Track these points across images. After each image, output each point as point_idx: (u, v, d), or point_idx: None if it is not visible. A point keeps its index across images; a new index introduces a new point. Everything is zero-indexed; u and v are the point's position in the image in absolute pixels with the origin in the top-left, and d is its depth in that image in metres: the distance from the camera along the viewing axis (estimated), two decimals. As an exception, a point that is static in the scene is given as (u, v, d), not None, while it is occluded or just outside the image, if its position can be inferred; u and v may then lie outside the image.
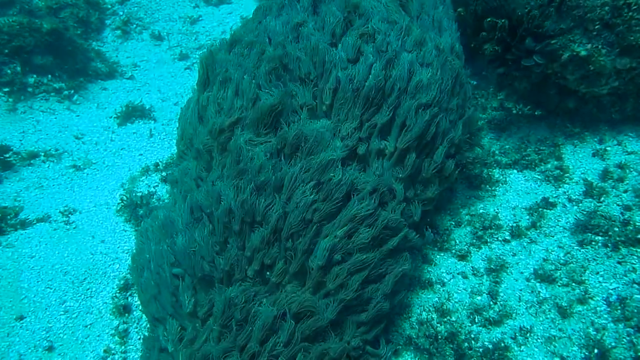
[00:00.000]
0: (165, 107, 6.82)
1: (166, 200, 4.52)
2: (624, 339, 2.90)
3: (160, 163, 5.12)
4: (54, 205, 4.69)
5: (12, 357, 3.32)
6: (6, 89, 6.16)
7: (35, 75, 6.42)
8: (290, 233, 2.97)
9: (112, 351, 3.45)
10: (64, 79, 6.74)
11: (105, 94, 7.08)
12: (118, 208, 4.50)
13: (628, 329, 2.93)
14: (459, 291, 3.40)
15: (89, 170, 5.42)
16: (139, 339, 3.52)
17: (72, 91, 6.67)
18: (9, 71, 6.16)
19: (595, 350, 2.87)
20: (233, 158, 3.18)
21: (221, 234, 3.05)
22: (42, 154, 5.60)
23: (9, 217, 4.32)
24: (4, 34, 6.06)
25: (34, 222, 4.41)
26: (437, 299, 3.36)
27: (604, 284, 3.18)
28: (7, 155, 5.32)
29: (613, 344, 2.90)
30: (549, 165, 3.92)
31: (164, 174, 4.91)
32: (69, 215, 4.50)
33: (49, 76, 6.56)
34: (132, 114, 6.42)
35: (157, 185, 4.79)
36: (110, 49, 8.10)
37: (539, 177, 3.92)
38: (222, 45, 3.92)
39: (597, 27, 3.32)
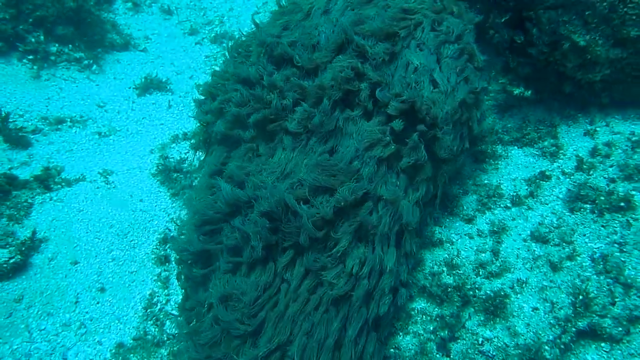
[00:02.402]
0: (181, 80, 7.10)
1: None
2: (604, 288, 3.44)
3: (188, 132, 5.47)
4: (88, 167, 5.01)
5: (70, 295, 3.72)
6: (30, 57, 6.35)
7: (57, 45, 6.62)
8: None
9: (157, 294, 3.87)
10: (83, 49, 6.94)
11: (120, 66, 7.31)
12: (154, 172, 4.85)
13: (608, 280, 3.47)
14: (466, 249, 3.89)
15: (114, 137, 5.73)
16: (179, 284, 3.94)
17: (91, 61, 6.89)
18: (32, 39, 6.34)
19: (580, 297, 3.41)
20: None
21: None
22: (68, 120, 5.86)
23: (52, 176, 4.64)
24: (29, 3, 6.23)
25: (74, 181, 4.75)
26: (446, 255, 3.85)
27: (589, 244, 3.70)
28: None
29: (595, 292, 3.43)
30: (546, 143, 4.41)
31: (192, 141, 5.26)
32: (107, 176, 4.84)
33: (70, 46, 6.76)
34: (150, 85, 6.69)
35: (187, 152, 5.15)
36: (121, 21, 8.28)
37: (537, 153, 4.41)
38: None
39: (595, 20, 3.78)
